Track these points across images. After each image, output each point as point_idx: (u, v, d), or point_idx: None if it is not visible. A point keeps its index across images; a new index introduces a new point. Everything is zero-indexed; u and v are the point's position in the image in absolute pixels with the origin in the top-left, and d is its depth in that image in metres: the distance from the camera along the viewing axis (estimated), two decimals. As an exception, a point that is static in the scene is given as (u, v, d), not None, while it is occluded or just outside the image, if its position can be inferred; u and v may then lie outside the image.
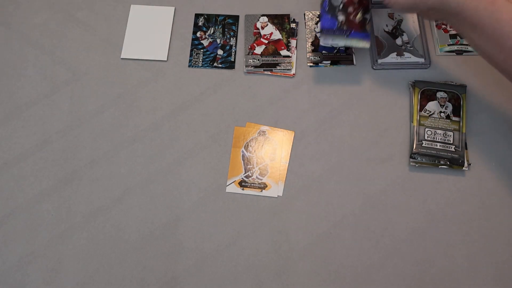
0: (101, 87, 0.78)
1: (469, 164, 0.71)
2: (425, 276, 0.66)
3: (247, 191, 0.70)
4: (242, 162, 0.72)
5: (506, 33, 0.59)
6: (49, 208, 0.70)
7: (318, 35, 0.76)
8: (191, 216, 0.70)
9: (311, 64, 0.78)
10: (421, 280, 0.66)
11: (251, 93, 0.77)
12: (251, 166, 0.72)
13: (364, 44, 0.72)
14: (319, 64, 0.78)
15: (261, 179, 0.71)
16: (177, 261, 0.67)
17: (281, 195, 0.70)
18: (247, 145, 0.73)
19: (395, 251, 0.67)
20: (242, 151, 0.73)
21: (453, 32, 0.79)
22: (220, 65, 0.79)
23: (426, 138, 0.71)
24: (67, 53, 0.80)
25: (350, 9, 0.72)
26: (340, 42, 0.73)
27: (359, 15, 0.72)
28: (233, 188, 0.71)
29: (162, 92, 0.77)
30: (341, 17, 0.72)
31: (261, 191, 0.70)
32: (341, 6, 0.72)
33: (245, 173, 0.71)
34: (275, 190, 0.71)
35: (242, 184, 0.71)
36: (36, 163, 0.73)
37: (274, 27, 0.80)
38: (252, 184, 0.71)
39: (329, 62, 0.78)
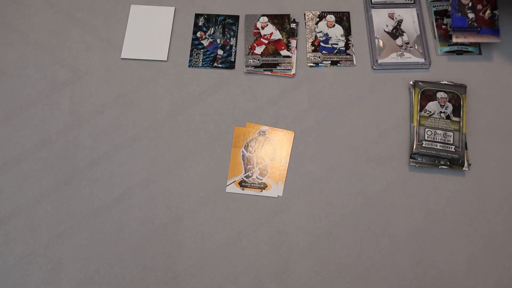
0: (101, 87, 0.78)
1: (469, 164, 0.71)
2: (425, 276, 0.66)
3: (247, 191, 0.70)
4: (242, 162, 0.72)
5: None
6: (49, 208, 0.70)
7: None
8: (191, 216, 0.70)
9: (311, 64, 0.78)
10: (421, 280, 0.66)
11: (251, 93, 0.77)
12: (251, 166, 0.72)
13: (495, 39, 0.74)
14: (319, 64, 0.78)
15: (261, 179, 0.71)
16: (177, 261, 0.67)
17: (281, 195, 0.70)
18: (247, 145, 0.73)
19: (395, 251, 0.67)
20: (242, 151, 0.73)
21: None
22: (220, 65, 0.79)
23: (426, 138, 0.71)
24: (67, 53, 0.80)
25: (479, 6, 0.74)
26: (471, 39, 0.74)
27: (488, 12, 0.74)
28: (233, 188, 0.71)
29: (162, 92, 0.77)
30: (471, 15, 0.74)
31: (261, 191, 0.70)
32: (470, 3, 0.74)
33: (245, 173, 0.71)
34: (275, 190, 0.71)
35: (242, 184, 0.71)
36: (36, 163, 0.73)
37: (274, 27, 0.80)
38: (252, 184, 0.71)
39: (329, 62, 0.78)
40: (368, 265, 0.67)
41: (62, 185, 0.72)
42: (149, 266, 0.67)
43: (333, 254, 0.67)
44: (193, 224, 0.69)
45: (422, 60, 0.77)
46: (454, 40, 0.75)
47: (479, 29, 0.74)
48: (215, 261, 0.67)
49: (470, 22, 0.74)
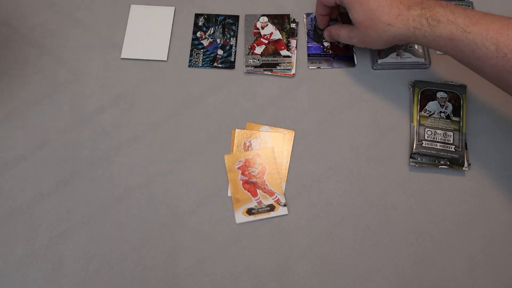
0: (101, 87, 0.78)
1: (469, 164, 0.71)
2: (425, 276, 0.66)
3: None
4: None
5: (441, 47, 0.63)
6: (49, 208, 0.70)
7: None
8: (191, 216, 0.70)
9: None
10: (421, 280, 0.66)
11: (251, 93, 0.77)
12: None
13: (349, 65, 0.77)
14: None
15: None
16: (177, 261, 0.67)
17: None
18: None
19: (395, 251, 0.67)
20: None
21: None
22: (220, 65, 0.79)
23: (426, 138, 0.71)
24: (67, 53, 0.80)
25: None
26: (326, 65, 0.77)
27: None
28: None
29: (162, 92, 0.77)
30: (326, 43, 0.79)
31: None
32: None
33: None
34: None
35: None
36: (36, 163, 0.73)
37: (274, 27, 0.80)
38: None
39: (329, 62, 0.78)
40: (368, 265, 0.67)
41: (62, 185, 0.72)
42: (149, 266, 0.67)
43: (333, 254, 0.67)
44: (193, 224, 0.69)
45: (422, 59, 0.77)
46: (310, 67, 0.78)
47: (334, 56, 0.78)
48: (215, 261, 0.67)
49: (325, 50, 0.78)
